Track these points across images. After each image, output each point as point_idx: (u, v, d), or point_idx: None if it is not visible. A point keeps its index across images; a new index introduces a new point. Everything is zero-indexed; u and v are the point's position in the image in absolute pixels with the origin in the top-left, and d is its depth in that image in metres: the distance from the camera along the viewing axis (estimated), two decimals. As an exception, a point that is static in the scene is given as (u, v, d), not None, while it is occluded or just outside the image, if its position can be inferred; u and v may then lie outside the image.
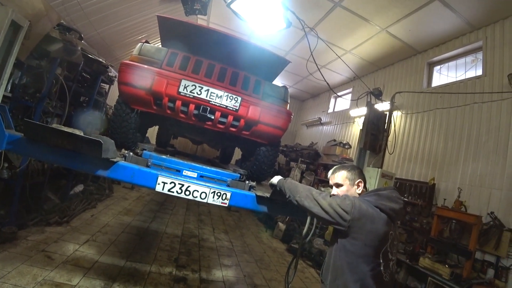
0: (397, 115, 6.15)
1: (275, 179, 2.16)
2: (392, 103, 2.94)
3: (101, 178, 6.64)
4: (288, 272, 2.38)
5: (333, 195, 1.77)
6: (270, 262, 5.12)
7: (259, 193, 2.41)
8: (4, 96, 2.38)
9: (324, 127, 10.17)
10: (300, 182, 8.22)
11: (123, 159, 2.31)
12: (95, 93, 5.41)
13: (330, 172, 1.92)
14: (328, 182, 2.04)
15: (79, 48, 4.09)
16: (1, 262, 2.89)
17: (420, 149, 5.35)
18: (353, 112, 7.78)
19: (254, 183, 2.68)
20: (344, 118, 8.84)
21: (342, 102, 9.69)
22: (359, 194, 1.78)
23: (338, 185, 1.83)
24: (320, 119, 10.37)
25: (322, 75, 4.16)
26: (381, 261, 1.53)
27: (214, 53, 3.04)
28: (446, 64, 5.67)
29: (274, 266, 4.95)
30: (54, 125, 2.08)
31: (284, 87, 3.30)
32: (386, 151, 2.76)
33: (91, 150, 1.93)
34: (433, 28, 5.18)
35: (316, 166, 8.92)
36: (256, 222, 8.32)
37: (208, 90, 2.77)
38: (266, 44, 7.18)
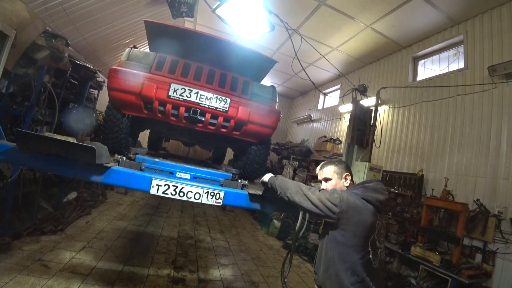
0: (384, 109, 6.30)
1: (266, 177, 2.22)
2: (377, 99, 3.02)
3: (94, 184, 6.60)
4: (283, 267, 2.45)
5: (323, 189, 1.84)
6: (267, 259, 5.20)
7: (252, 191, 2.46)
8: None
9: (315, 124, 10.30)
10: (293, 179, 8.35)
11: (117, 164, 2.33)
12: (84, 99, 5.37)
13: (318, 168, 2.01)
14: None
15: (66, 54, 4.07)
16: None
17: (408, 142, 5.50)
18: (341, 108, 7.91)
19: (246, 182, 2.73)
20: (333, 114, 8.98)
21: (331, 99, 9.82)
22: (347, 186, 1.87)
23: (327, 179, 1.91)
24: (310, 116, 10.49)
25: (307, 75, 4.23)
26: (370, 249, 1.62)
27: (202, 56, 3.08)
28: (430, 58, 5.82)
29: (271, 263, 5.03)
30: (47, 134, 2.10)
31: (272, 87, 3.36)
32: (374, 146, 2.84)
33: (85, 157, 1.96)
34: (416, 23, 5.32)
35: (308, 162, 9.03)
36: (251, 221, 8.38)
37: (197, 92, 2.81)
38: (254, 44, 7.24)
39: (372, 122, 2.93)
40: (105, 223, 5.22)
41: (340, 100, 8.21)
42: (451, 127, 4.75)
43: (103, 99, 6.74)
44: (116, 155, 2.58)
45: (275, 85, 10.98)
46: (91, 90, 5.91)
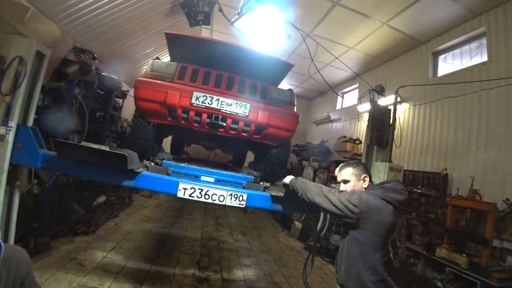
0: (404, 107, 6.17)
1: (287, 179, 2.29)
2: (396, 98, 3.01)
3: (121, 188, 6.93)
4: (305, 268, 2.50)
5: (342, 191, 1.88)
6: (289, 260, 5.23)
7: (273, 193, 2.54)
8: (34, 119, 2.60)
9: (334, 124, 10.21)
10: (313, 180, 8.32)
11: (146, 169, 2.48)
12: (110, 108, 5.68)
13: (336, 170, 2.05)
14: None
15: (93, 67, 4.33)
16: (39, 270, 3.14)
17: (431, 140, 5.36)
18: (360, 108, 7.81)
19: (268, 184, 2.82)
20: (352, 114, 8.87)
21: (349, 98, 9.72)
22: (365, 188, 1.90)
23: (345, 181, 1.95)
24: (329, 116, 10.41)
25: (323, 78, 4.27)
26: (390, 248, 1.65)
27: (221, 63, 3.20)
28: (451, 53, 5.65)
29: (292, 264, 5.06)
30: (83, 143, 2.29)
31: (290, 90, 3.41)
32: (394, 145, 2.83)
33: (117, 163, 2.12)
34: (434, 17, 5.18)
35: (328, 163, 8.96)
36: (273, 222, 8.43)
37: (218, 99, 2.91)
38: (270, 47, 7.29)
39: (391, 122, 2.91)
40: (132, 225, 5.47)
41: (358, 100, 8.12)
42: (476, 123, 4.60)
43: (127, 107, 7.06)
44: (144, 161, 2.74)
45: (293, 87, 11.07)
46: (116, 99, 6.23)
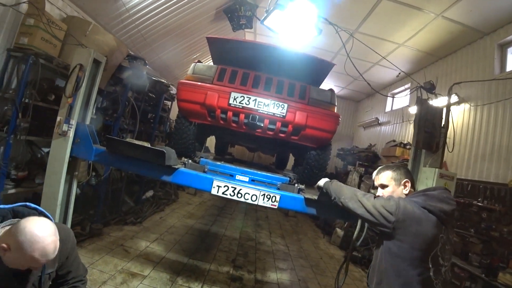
0: (464, 108, 5.50)
1: (322, 182, 2.19)
2: (449, 96, 2.68)
3: (168, 185, 7.41)
4: (338, 276, 2.37)
5: (378, 196, 1.73)
6: (326, 269, 5.03)
7: (307, 196, 2.47)
8: (90, 118, 2.93)
9: (382, 127, 9.57)
10: (359, 186, 7.90)
11: (183, 166, 2.61)
12: (160, 109, 6.12)
13: (374, 173, 1.88)
14: None
15: (145, 72, 4.72)
16: (91, 252, 3.54)
17: (496, 145, 4.67)
18: (412, 110, 7.19)
19: (303, 186, 2.74)
20: (403, 116, 8.20)
21: (400, 100, 9.02)
22: (406, 194, 1.71)
23: (383, 186, 1.78)
24: (377, 119, 9.80)
25: (365, 80, 4.09)
26: (430, 266, 1.45)
27: (260, 64, 3.23)
28: (524, 43, 4.88)
29: (330, 273, 4.84)
30: (128, 139, 2.50)
31: (331, 90, 3.30)
32: (446, 150, 2.51)
33: (157, 159, 2.27)
34: (499, 4, 4.49)
35: (375, 169, 8.41)
36: (314, 228, 8.20)
37: (255, 99, 2.94)
38: (313, 47, 7.13)
39: (443, 123, 2.61)
40: (175, 219, 5.80)
41: (410, 101, 7.49)
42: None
43: (176, 109, 7.53)
44: (183, 158, 2.88)
45: (339, 88, 10.71)
46: (166, 101, 6.68)
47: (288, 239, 6.36)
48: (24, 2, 3.07)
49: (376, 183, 1.84)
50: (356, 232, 2.50)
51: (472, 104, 5.39)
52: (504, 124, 4.64)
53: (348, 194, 1.77)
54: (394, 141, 7.81)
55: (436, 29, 5.51)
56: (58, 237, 1.31)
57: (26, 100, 3.05)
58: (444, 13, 5.00)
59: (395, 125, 8.67)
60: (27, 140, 3.27)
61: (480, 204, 4.29)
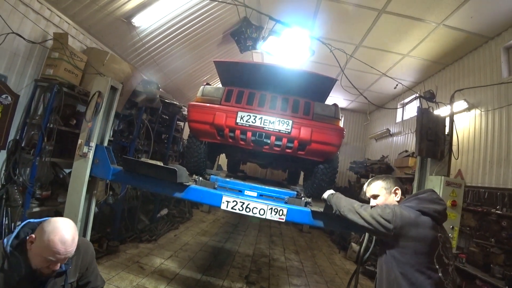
0: (475, 114, 5.43)
1: (326, 194, 2.26)
2: (452, 103, 2.72)
3: (182, 203, 7.55)
4: (349, 285, 2.39)
5: (375, 206, 1.77)
6: (342, 284, 4.91)
7: (314, 209, 2.53)
8: (108, 140, 3.14)
9: (394, 138, 9.47)
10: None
11: (194, 183, 2.74)
12: (173, 130, 6.37)
13: (365, 185, 1.96)
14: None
15: (158, 95, 5.00)
16: (108, 268, 3.68)
17: (511, 149, 4.56)
18: (423, 119, 7.12)
19: (309, 199, 2.81)
20: (414, 125, 8.11)
21: (410, 109, 8.96)
22: (397, 201, 1.78)
23: (375, 196, 1.84)
24: (388, 130, 9.73)
25: (365, 98, 4.13)
26: (437, 266, 1.47)
27: (265, 84, 3.39)
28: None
29: (346, 288, 4.73)
30: (142, 159, 2.67)
31: (335, 105, 3.40)
32: (458, 157, 2.52)
33: (169, 176, 2.41)
34: (500, 8, 4.50)
35: (388, 181, 8.28)
36: (329, 243, 8.04)
37: (261, 118, 3.08)
38: (318, 63, 7.29)
39: (448, 131, 2.64)
40: (189, 237, 5.88)
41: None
42: None
43: (188, 130, 7.80)
44: (194, 176, 3.02)
45: (348, 102, 10.77)
46: (178, 122, 6.95)
47: (302, 255, 6.28)
48: (50, 39, 3.40)
49: (368, 194, 1.91)
50: (364, 244, 2.53)
51: (482, 110, 5.32)
52: (520, 128, 4.55)
53: (346, 207, 1.83)
54: (406, 151, 7.72)
55: (439, 37, 5.58)
56: (77, 233, 1.49)
57: (51, 125, 3.32)
58: (445, 22, 5.08)
59: (407, 135, 8.58)
60: (51, 162, 3.52)
61: (499, 212, 4.16)
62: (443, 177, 2.39)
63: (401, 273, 1.52)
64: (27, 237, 1.42)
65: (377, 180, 1.89)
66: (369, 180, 1.96)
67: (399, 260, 1.53)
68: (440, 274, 1.46)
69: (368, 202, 1.92)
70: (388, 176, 1.91)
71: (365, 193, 1.97)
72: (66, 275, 1.55)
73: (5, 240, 1.44)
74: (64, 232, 1.41)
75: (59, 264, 1.44)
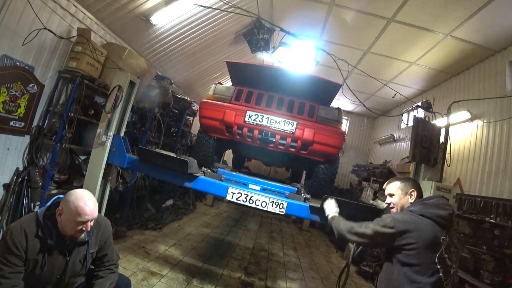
0: (477, 125, 5.55)
1: (327, 210, 2.37)
2: (448, 114, 2.87)
3: (186, 195, 7.80)
4: (339, 279, 2.58)
5: (377, 219, 1.82)
6: (336, 281, 5.08)
7: (312, 204, 2.72)
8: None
9: (398, 144, 9.58)
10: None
11: (203, 174, 2.96)
12: (182, 124, 6.61)
13: (386, 183, 2.07)
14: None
15: (170, 91, 5.22)
16: None
17: (509, 162, 4.68)
18: (426, 127, 7.24)
19: (308, 196, 3.01)
20: (417, 133, 8.22)
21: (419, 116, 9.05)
22: (411, 203, 1.86)
23: (391, 195, 1.96)
24: (392, 135, 9.84)
25: (365, 106, 4.32)
26: (439, 267, 1.56)
27: (273, 85, 3.60)
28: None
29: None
30: (157, 150, 2.89)
31: (338, 109, 3.57)
32: (453, 166, 2.68)
33: (181, 167, 2.63)
34: (507, 23, 4.60)
35: (390, 185, 8.42)
36: (327, 243, 8.21)
37: (268, 117, 3.29)
38: (328, 66, 7.41)
39: (444, 140, 2.80)
40: (192, 228, 6.12)
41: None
42: None
43: (197, 124, 8.03)
44: (203, 168, 3.24)
45: (354, 106, 10.88)
46: (188, 117, 7.18)
47: (300, 252, 6.47)
48: (75, 36, 3.64)
49: (386, 192, 2.02)
50: (353, 247, 2.72)
51: (485, 121, 5.43)
52: (517, 141, 4.67)
53: (348, 233, 1.88)
54: (408, 157, 7.83)
55: (446, 48, 5.69)
56: (97, 203, 1.75)
57: (71, 114, 3.56)
58: (452, 33, 5.20)
59: (410, 141, 8.68)
60: (70, 148, 3.77)
61: (492, 221, 4.30)
62: (434, 182, 2.56)
63: (404, 273, 1.60)
64: (57, 210, 1.66)
65: (396, 180, 1.99)
66: (390, 179, 2.07)
67: (403, 261, 1.62)
68: (441, 274, 1.55)
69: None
70: (408, 179, 2.01)
71: (383, 190, 2.07)
72: (88, 245, 1.79)
73: (39, 211, 1.69)
74: (85, 197, 1.67)
75: (89, 224, 1.67)
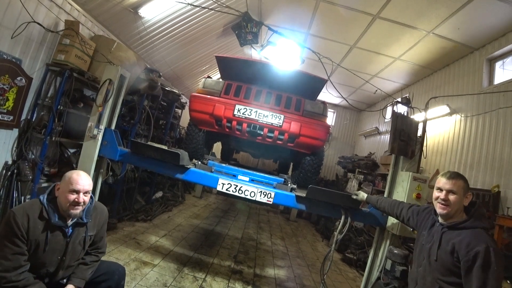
0: (455, 119, 5.86)
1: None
2: (426, 109, 3.07)
3: (176, 187, 7.86)
4: (323, 264, 2.77)
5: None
6: (322, 268, 5.35)
7: (298, 193, 2.89)
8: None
9: (382, 136, 9.91)
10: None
11: (194, 166, 3.06)
12: (171, 117, 6.62)
13: (447, 174, 1.80)
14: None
15: (159, 83, 5.23)
16: (108, 243, 3.90)
17: (483, 154, 5.00)
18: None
19: (295, 186, 3.17)
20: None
21: (398, 111, 9.36)
22: (465, 206, 1.77)
23: (452, 192, 1.74)
24: (377, 128, 10.15)
25: (348, 102, 4.41)
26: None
27: (261, 80, 3.71)
28: (511, 58, 5.21)
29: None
30: (149, 143, 2.97)
31: (323, 103, 3.73)
32: (433, 158, 2.88)
33: (172, 159, 2.72)
34: (486, 22, 4.88)
35: (374, 176, 8.76)
36: (313, 232, 8.50)
37: (256, 111, 3.42)
38: (315, 60, 7.56)
39: (421, 134, 3.01)
40: (182, 219, 6.23)
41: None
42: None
43: (185, 117, 8.05)
44: (193, 160, 3.34)
45: (340, 99, 11.11)
46: (176, 109, 7.19)
47: (287, 241, 6.70)
48: (63, 30, 3.61)
49: (447, 187, 1.76)
50: (340, 226, 2.91)
51: (463, 115, 5.74)
52: (490, 134, 4.97)
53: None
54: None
55: (429, 44, 5.93)
56: (91, 181, 1.91)
57: (61, 107, 3.57)
58: (434, 31, 5.42)
59: (389, 135, 8.98)
60: (59, 142, 3.77)
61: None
62: (411, 173, 2.76)
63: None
64: (55, 185, 1.82)
65: (461, 179, 1.77)
66: (451, 172, 1.81)
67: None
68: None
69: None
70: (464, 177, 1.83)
71: (439, 181, 1.84)
72: (87, 228, 1.90)
73: (41, 196, 1.79)
74: (79, 172, 1.86)
75: (82, 197, 1.77)
